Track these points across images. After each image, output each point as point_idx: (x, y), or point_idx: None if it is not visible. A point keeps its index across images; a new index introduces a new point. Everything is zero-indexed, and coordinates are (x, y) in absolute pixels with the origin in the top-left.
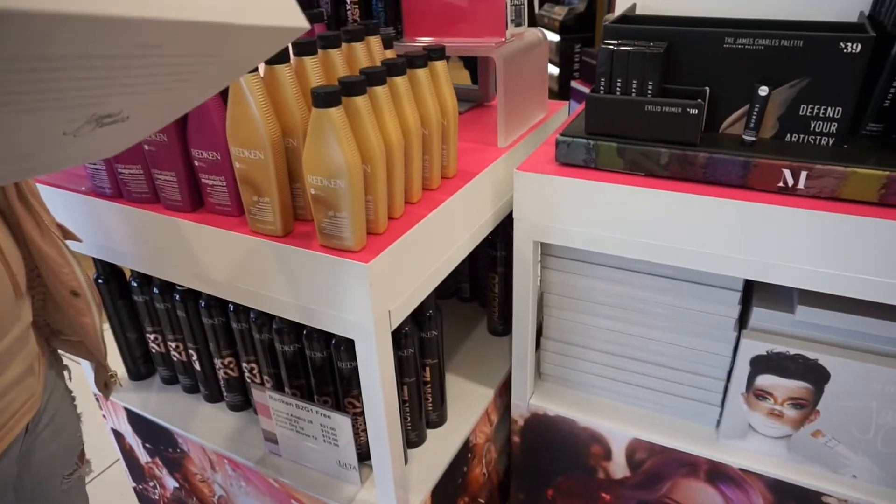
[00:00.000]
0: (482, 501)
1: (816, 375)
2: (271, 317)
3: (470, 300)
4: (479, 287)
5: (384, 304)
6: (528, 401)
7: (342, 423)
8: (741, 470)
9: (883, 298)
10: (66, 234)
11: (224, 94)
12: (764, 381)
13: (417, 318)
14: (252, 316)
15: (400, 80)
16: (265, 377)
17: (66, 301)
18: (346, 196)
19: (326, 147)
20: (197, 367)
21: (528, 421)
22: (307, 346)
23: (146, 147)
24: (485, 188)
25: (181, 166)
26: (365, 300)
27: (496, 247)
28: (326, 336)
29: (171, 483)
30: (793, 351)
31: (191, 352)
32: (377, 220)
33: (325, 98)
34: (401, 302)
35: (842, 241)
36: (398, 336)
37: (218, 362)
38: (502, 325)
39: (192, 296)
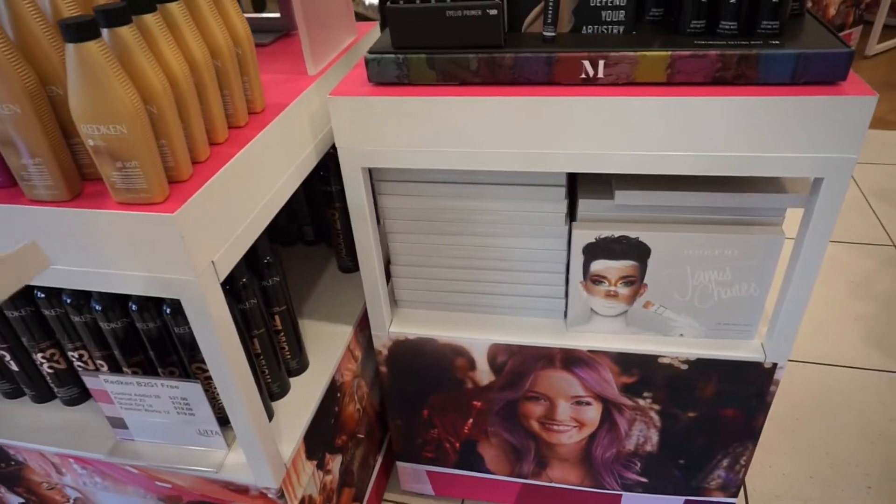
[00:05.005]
0: (362, 436)
1: (639, 252)
2: (88, 294)
3: (316, 243)
4: (323, 227)
5: (205, 256)
6: (387, 330)
7: (192, 390)
8: (590, 351)
9: (684, 171)
10: None
11: None
12: (597, 266)
13: (255, 267)
14: (65, 298)
15: (174, 7)
16: (98, 362)
17: None
18: (131, 142)
19: (93, 88)
20: (14, 367)
21: (391, 349)
22: (137, 319)
23: None
24: (300, 119)
25: None
26: (180, 254)
27: (330, 182)
28: (156, 304)
29: (14, 501)
30: (617, 233)
31: (1, 352)
32: (178, 165)
33: (78, 30)
34: (225, 250)
35: (642, 122)
36: (237, 289)
37: (38, 357)
38: (352, 261)
39: None
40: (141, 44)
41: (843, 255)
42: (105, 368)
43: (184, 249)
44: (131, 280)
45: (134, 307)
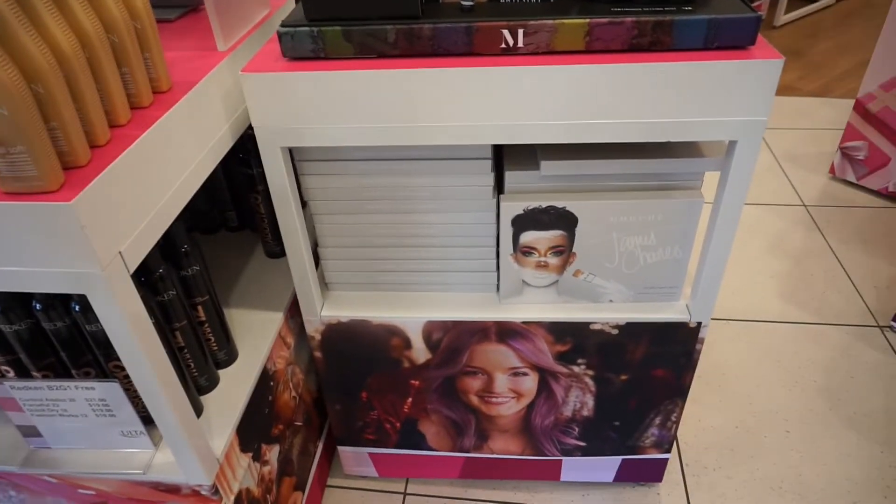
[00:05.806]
0: (300, 424)
1: (567, 221)
2: None
3: (240, 228)
4: (247, 212)
5: (110, 247)
6: (319, 314)
7: (110, 390)
8: (523, 323)
9: (605, 138)
10: None
11: None
12: (526, 237)
13: (172, 256)
14: None
15: None
16: (3, 368)
17: None
18: (13, 125)
19: None
20: None
21: (324, 333)
22: (43, 319)
23: None
24: (211, 98)
25: None
26: (81, 246)
27: (250, 164)
28: (64, 301)
29: None
30: (544, 204)
31: None
32: (73, 150)
33: None
34: (133, 240)
35: (563, 91)
36: (152, 280)
37: None
38: (278, 246)
39: None
40: (19, 16)
41: (760, 216)
42: (11, 374)
43: (85, 240)
44: (30, 277)
45: (38, 306)
